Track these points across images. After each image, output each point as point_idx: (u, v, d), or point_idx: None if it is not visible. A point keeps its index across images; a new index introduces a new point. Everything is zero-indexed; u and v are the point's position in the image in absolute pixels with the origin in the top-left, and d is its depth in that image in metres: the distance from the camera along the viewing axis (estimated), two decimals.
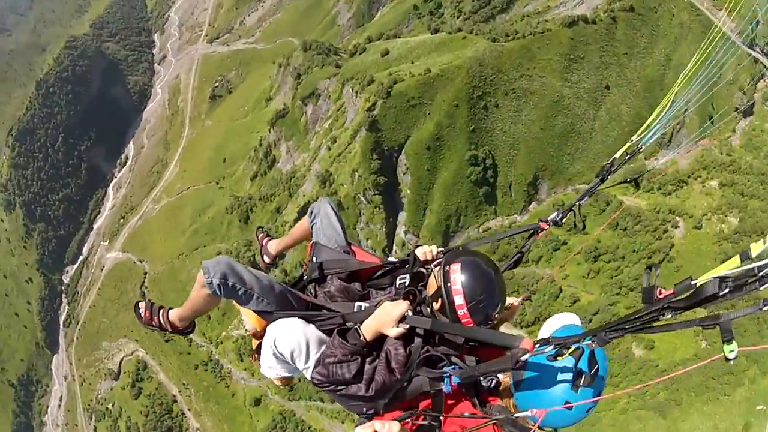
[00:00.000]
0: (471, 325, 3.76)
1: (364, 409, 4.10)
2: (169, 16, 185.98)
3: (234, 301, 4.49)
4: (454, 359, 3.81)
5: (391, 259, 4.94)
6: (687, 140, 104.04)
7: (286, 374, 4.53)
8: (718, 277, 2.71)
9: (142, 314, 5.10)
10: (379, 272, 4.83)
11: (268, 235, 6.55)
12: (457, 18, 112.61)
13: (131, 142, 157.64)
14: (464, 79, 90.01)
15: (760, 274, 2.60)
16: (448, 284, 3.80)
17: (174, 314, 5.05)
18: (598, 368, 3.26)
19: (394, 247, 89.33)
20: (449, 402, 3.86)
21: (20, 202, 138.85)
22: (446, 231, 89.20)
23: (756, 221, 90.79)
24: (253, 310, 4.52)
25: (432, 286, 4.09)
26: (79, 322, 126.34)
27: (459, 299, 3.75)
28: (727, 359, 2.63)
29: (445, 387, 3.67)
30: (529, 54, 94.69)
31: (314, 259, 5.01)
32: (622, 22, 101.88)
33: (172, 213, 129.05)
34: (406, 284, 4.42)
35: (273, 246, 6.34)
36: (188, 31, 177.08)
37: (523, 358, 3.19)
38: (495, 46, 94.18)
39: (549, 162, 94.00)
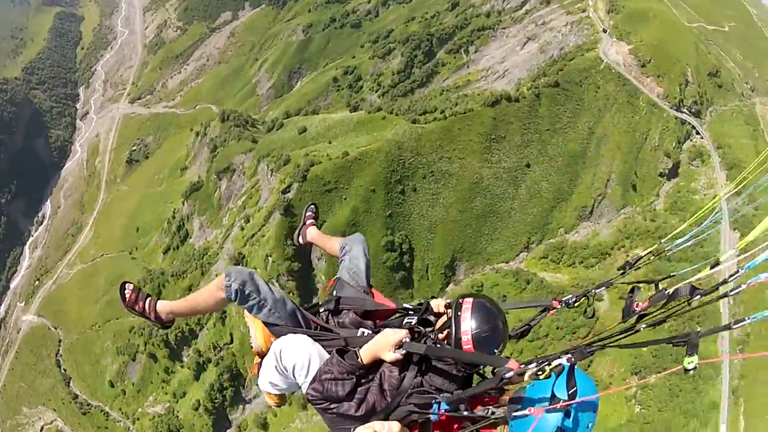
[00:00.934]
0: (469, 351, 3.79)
1: None
2: (95, 69, 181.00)
3: (246, 311, 4.74)
4: (445, 394, 3.86)
5: (406, 305, 4.99)
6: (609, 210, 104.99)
7: (283, 389, 4.64)
8: (690, 284, 3.18)
9: (128, 296, 5.09)
10: (393, 316, 4.93)
11: (314, 219, 7.12)
12: (376, 91, 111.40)
13: (48, 201, 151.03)
14: (382, 164, 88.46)
15: (731, 280, 2.98)
16: (459, 313, 3.89)
17: (163, 306, 5.10)
18: (576, 391, 3.18)
19: None
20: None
21: None
22: None
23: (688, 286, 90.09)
24: (263, 322, 4.68)
25: (441, 322, 4.35)
26: None
27: (465, 326, 3.84)
28: (686, 370, 2.88)
29: (433, 414, 3.69)
30: (449, 136, 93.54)
31: (334, 292, 5.26)
32: (546, 98, 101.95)
33: (85, 280, 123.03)
34: (412, 324, 4.51)
35: (311, 233, 6.89)
36: (112, 87, 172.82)
37: (507, 376, 3.40)
38: (415, 128, 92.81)
39: (467, 243, 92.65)
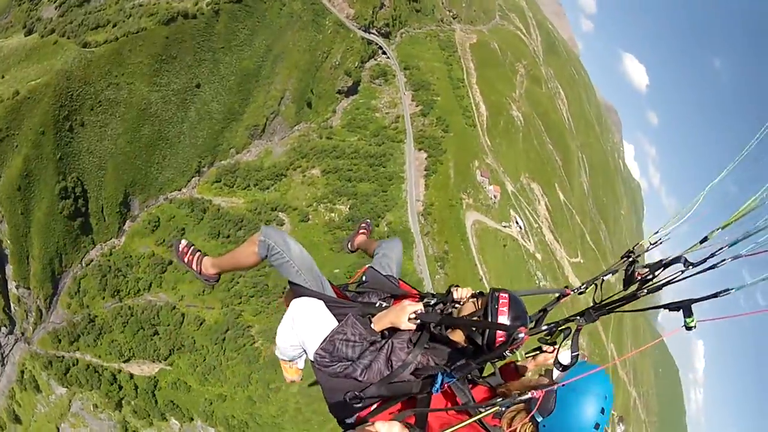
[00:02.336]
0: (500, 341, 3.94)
1: (350, 398, 4.22)
2: None
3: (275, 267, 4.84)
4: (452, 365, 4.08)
5: (430, 292, 5.26)
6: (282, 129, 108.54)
7: (290, 353, 4.85)
8: (683, 256, 3.48)
9: (180, 248, 5.50)
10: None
11: (366, 232, 7.79)
12: (54, 2, 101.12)
13: None
14: (51, 100, 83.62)
15: (718, 253, 3.27)
16: (496, 306, 4.06)
17: (208, 261, 5.38)
18: (578, 355, 3.59)
19: (12, 305, 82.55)
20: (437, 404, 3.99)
21: None
22: (53, 275, 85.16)
23: (371, 206, 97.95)
24: (289, 281, 4.88)
25: (467, 309, 4.50)
26: None
27: (503, 319, 3.99)
28: (688, 328, 3.16)
29: (435, 387, 3.84)
30: (119, 59, 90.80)
31: (364, 278, 5.66)
32: (225, 14, 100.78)
33: None
34: (432, 303, 4.88)
35: (359, 240, 7.63)
36: None
37: (519, 336, 3.66)
38: (85, 53, 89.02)
39: (138, 176, 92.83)
